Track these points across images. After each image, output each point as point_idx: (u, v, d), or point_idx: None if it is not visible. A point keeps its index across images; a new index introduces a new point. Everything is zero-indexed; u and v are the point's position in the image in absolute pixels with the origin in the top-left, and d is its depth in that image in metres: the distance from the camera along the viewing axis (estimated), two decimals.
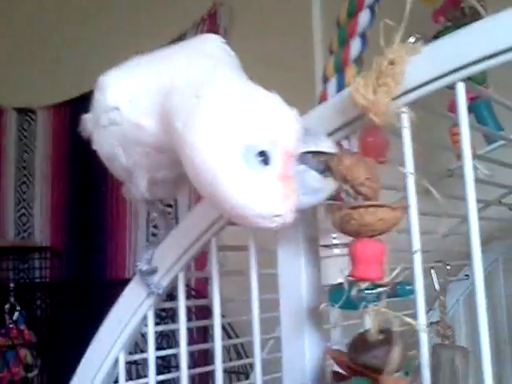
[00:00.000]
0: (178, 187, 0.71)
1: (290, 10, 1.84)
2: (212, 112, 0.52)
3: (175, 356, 0.80)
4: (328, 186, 0.52)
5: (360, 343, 0.52)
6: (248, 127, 0.51)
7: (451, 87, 0.55)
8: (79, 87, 2.22)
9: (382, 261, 0.53)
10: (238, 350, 1.47)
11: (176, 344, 0.75)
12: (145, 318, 0.76)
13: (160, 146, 0.61)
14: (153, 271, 0.73)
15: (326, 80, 1.06)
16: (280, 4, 1.90)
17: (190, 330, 1.48)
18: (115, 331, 0.76)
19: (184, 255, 0.72)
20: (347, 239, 1.03)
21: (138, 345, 0.97)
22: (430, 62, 0.54)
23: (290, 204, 0.51)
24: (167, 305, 0.80)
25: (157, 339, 1.42)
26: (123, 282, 0.78)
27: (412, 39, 0.53)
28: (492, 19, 0.52)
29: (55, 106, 2.58)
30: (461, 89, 0.53)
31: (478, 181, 0.99)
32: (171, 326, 0.86)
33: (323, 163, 0.52)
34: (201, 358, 1.41)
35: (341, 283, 0.53)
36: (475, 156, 1.00)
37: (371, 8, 1.05)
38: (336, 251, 1.09)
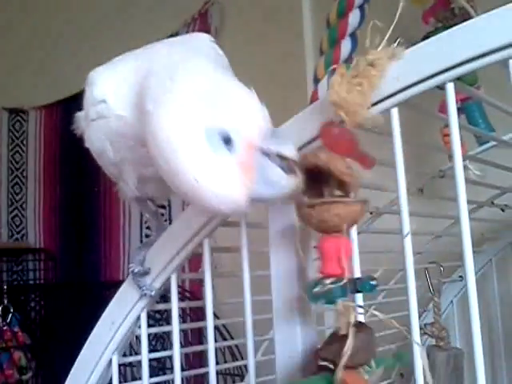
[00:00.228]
0: (170, 187, 0.71)
1: (281, 9, 1.85)
2: (181, 93, 0.53)
3: (170, 358, 0.80)
4: (288, 182, 0.52)
5: (329, 339, 0.53)
6: (215, 111, 0.52)
7: (441, 87, 0.55)
8: (71, 87, 2.21)
9: (342, 257, 0.52)
10: (232, 352, 1.47)
11: (171, 346, 0.75)
12: (138, 319, 0.75)
13: (138, 136, 0.61)
14: (145, 273, 0.73)
15: (316, 80, 1.06)
16: (271, 4, 1.90)
17: (184, 332, 1.48)
18: (108, 333, 0.76)
19: (176, 257, 0.72)
20: None
21: (132, 347, 0.96)
22: (419, 63, 0.54)
23: (246, 191, 0.51)
24: (160, 306, 0.80)
25: (151, 341, 1.43)
26: (117, 284, 0.78)
27: (395, 44, 0.54)
28: (481, 19, 0.52)
29: (47, 107, 2.57)
30: (450, 89, 0.53)
31: (469, 182, 1.00)
32: (164, 328, 0.86)
33: (286, 164, 0.52)
34: (196, 360, 1.40)
35: (314, 280, 0.54)
36: (467, 157, 1.01)
37: (361, 8, 1.06)
38: None
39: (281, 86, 1.70)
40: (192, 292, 1.83)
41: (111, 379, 0.78)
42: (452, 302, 1.29)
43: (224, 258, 0.83)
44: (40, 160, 2.63)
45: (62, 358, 0.81)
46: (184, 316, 1.48)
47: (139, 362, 0.77)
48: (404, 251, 0.56)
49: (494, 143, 0.99)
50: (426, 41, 0.54)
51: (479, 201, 1.12)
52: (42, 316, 2.25)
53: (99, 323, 0.77)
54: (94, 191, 2.35)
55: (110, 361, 0.77)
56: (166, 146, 0.51)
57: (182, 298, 1.59)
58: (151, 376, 0.77)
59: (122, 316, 0.75)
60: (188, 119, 0.51)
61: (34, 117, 2.66)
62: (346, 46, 1.05)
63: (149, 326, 0.77)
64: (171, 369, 0.76)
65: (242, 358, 1.32)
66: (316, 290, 0.52)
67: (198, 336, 1.50)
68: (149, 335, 0.77)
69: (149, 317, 1.27)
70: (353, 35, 1.06)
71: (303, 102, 1.17)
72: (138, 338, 0.78)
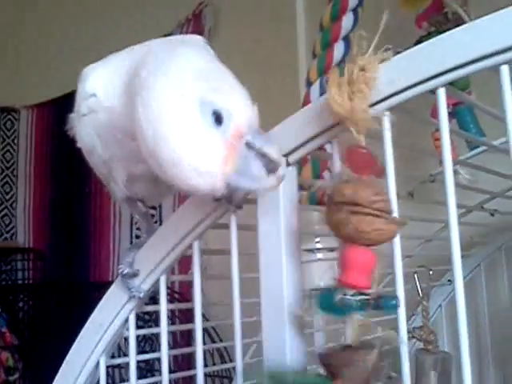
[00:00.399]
0: (159, 187, 0.71)
1: (274, 11, 1.85)
2: (177, 65, 0.54)
3: (159, 360, 0.79)
4: (267, 181, 0.53)
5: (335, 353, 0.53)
6: (212, 88, 0.52)
7: (433, 92, 0.55)
8: (63, 87, 2.20)
9: (371, 271, 0.52)
10: (221, 354, 1.47)
11: (159, 347, 0.75)
12: (126, 321, 0.75)
13: (127, 129, 0.60)
14: (134, 274, 0.73)
15: (309, 83, 1.06)
16: (265, 6, 1.90)
17: (174, 334, 1.48)
18: (96, 335, 0.75)
19: (166, 258, 0.71)
20: (330, 244, 1.03)
21: (121, 348, 0.96)
22: (411, 67, 0.54)
23: (226, 170, 0.50)
24: (149, 308, 0.80)
25: (140, 342, 1.42)
26: (106, 285, 0.78)
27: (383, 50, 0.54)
28: (474, 25, 0.52)
29: (38, 106, 2.56)
30: (441, 94, 0.54)
31: (460, 186, 1.01)
32: (153, 330, 0.86)
33: (269, 164, 0.53)
34: (185, 362, 1.40)
35: (329, 288, 0.53)
36: (457, 161, 1.01)
37: (355, 11, 1.06)
38: (319, 256, 1.09)
39: (273, 87, 1.70)
40: (182, 293, 1.82)
41: (99, 381, 0.78)
42: (441, 305, 1.30)
43: (214, 259, 0.82)
44: (31, 159, 2.62)
45: (49, 358, 0.81)
46: (173, 318, 1.48)
47: (127, 364, 0.77)
48: (393, 255, 0.56)
49: (484, 148, 0.99)
50: (418, 46, 0.55)
51: (469, 205, 1.12)
52: (30, 316, 2.24)
53: (87, 325, 0.77)
54: (84, 191, 2.34)
55: (98, 362, 0.76)
56: (156, 110, 0.51)
57: (171, 300, 1.59)
58: (139, 378, 0.77)
59: (110, 318, 0.75)
60: (184, 88, 0.51)
61: (25, 116, 2.65)
62: (339, 49, 1.06)
63: (138, 327, 0.77)
64: (159, 371, 0.76)
65: (231, 360, 1.32)
66: (335, 299, 0.51)
67: (187, 338, 1.50)
68: (137, 337, 0.77)
69: (138, 318, 1.26)
70: (346, 38, 1.07)
71: (296, 103, 1.17)
72: (126, 339, 0.77)
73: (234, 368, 0.86)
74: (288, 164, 0.63)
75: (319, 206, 0.92)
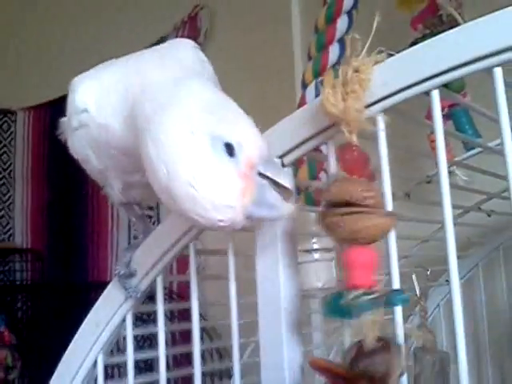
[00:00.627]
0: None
1: (270, 13, 1.85)
2: (186, 101, 0.53)
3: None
4: (285, 208, 0.52)
5: (358, 351, 0.51)
6: (220, 122, 0.52)
7: (428, 94, 0.55)
8: (59, 88, 2.20)
9: (375, 268, 0.53)
10: (221, 354, 1.47)
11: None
12: (123, 320, 0.75)
13: (125, 147, 0.61)
14: (131, 275, 0.73)
15: (304, 85, 1.06)
16: (261, 8, 1.91)
17: (173, 334, 1.48)
18: (93, 334, 0.76)
19: (162, 259, 0.72)
20: (327, 244, 1.03)
21: (119, 348, 0.96)
22: (405, 69, 0.54)
23: (244, 202, 0.50)
24: (146, 308, 0.80)
25: (139, 342, 1.42)
26: (105, 285, 0.78)
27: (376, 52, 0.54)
28: (468, 27, 0.52)
29: (35, 108, 2.56)
30: (436, 96, 0.54)
31: (456, 187, 1.01)
32: (149, 330, 0.86)
33: (282, 192, 0.53)
34: (184, 361, 1.40)
35: (334, 292, 0.53)
36: (453, 162, 1.02)
37: (349, 14, 1.06)
38: (316, 256, 1.09)
39: (269, 90, 1.70)
40: (180, 293, 1.82)
41: (97, 379, 0.78)
42: (439, 305, 1.30)
43: (212, 260, 0.82)
44: (28, 161, 2.62)
45: (48, 357, 0.81)
46: (172, 317, 1.48)
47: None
48: (389, 253, 0.56)
49: (480, 149, 0.99)
50: (412, 48, 0.55)
51: (466, 206, 1.13)
52: (28, 316, 2.24)
53: (84, 324, 0.77)
54: (81, 192, 2.34)
55: (96, 361, 0.77)
56: (168, 148, 0.50)
57: (169, 300, 1.59)
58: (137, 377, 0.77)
59: (107, 317, 0.75)
60: (193, 124, 0.51)
61: (22, 118, 2.65)
62: (333, 51, 1.06)
63: (137, 326, 0.77)
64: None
65: (231, 360, 1.31)
66: (342, 302, 0.51)
67: (187, 337, 1.50)
68: (136, 336, 0.77)
69: (137, 318, 1.27)
70: (341, 41, 1.07)
71: (292, 105, 1.17)
72: (125, 338, 0.78)
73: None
74: (283, 165, 0.63)
75: (316, 206, 0.92)
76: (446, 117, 1.16)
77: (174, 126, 0.51)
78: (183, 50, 0.67)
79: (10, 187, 2.67)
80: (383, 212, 0.53)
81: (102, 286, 0.81)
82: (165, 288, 0.75)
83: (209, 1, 2.07)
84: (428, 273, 1.04)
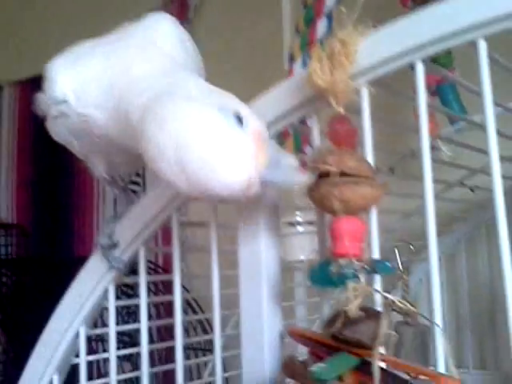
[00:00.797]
0: (140, 165, 0.71)
1: None
2: (184, 88, 0.53)
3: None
4: (300, 176, 0.52)
5: (342, 319, 0.51)
6: (220, 99, 0.52)
7: (412, 67, 0.55)
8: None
9: (362, 238, 0.53)
10: (204, 328, 1.48)
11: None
12: (106, 292, 0.76)
13: (108, 136, 0.61)
14: (114, 246, 0.73)
15: (292, 59, 1.06)
16: None
17: (157, 307, 1.48)
18: (76, 305, 0.76)
19: (145, 230, 0.72)
20: (311, 217, 1.04)
21: (104, 322, 0.97)
22: (389, 41, 0.54)
23: (258, 165, 0.50)
24: (129, 280, 0.80)
25: (124, 316, 1.42)
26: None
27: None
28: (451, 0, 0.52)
29: (22, 82, 2.52)
30: (419, 68, 0.54)
31: (441, 162, 1.02)
32: (132, 301, 0.86)
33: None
34: (168, 334, 1.41)
35: (321, 260, 0.53)
36: (437, 136, 1.02)
37: None
38: (300, 229, 1.10)
39: (258, 63, 1.69)
40: (166, 266, 1.83)
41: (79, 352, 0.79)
42: (421, 280, 1.31)
43: (199, 232, 0.82)
44: (14, 136, 2.59)
45: (32, 333, 0.82)
46: (157, 291, 1.48)
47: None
48: (371, 229, 0.57)
49: (464, 124, 1.00)
50: (397, 20, 0.55)
51: (449, 181, 1.13)
52: (13, 291, 2.24)
53: (67, 295, 0.77)
54: (67, 168, 2.32)
55: (78, 333, 0.77)
56: (177, 124, 0.49)
57: (153, 272, 1.59)
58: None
59: (89, 288, 0.75)
60: (198, 100, 0.51)
61: (8, 92, 2.62)
62: (322, 25, 1.05)
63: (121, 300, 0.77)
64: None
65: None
66: (331, 269, 0.51)
67: (171, 311, 1.50)
68: (121, 310, 0.77)
69: (122, 292, 1.27)
70: (329, 16, 1.06)
71: (280, 80, 1.16)
72: (107, 310, 0.78)
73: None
74: None
75: None
76: (433, 93, 1.16)
77: (181, 104, 0.51)
78: (162, 35, 0.64)
79: None
80: (376, 183, 0.53)
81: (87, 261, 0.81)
82: (150, 262, 0.75)
83: None
84: (411, 247, 1.05)
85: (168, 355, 1.31)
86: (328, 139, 0.56)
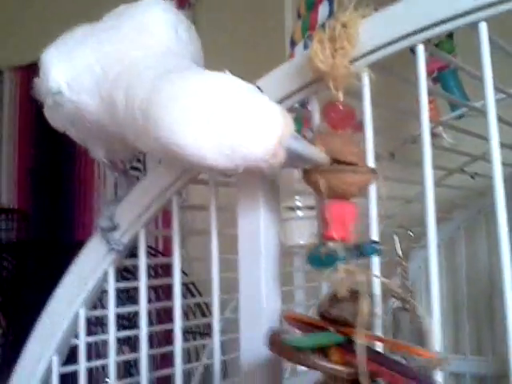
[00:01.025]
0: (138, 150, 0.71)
1: None
2: (190, 67, 0.54)
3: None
4: (320, 152, 0.52)
5: (331, 299, 0.52)
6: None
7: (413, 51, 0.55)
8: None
9: (350, 222, 0.53)
10: (203, 312, 1.48)
11: None
12: (106, 274, 0.76)
13: (101, 124, 0.61)
14: (114, 228, 0.73)
15: (293, 44, 1.06)
16: None
17: (156, 291, 1.49)
18: (75, 287, 0.76)
19: (144, 213, 0.72)
20: (311, 202, 1.04)
21: (104, 306, 0.97)
22: (390, 23, 0.54)
23: (285, 133, 0.49)
24: (128, 262, 0.80)
25: (123, 301, 1.43)
26: None
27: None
28: None
29: (23, 67, 2.52)
30: (420, 51, 0.54)
31: (441, 148, 1.01)
32: (132, 284, 0.86)
33: None
34: (167, 317, 1.41)
35: (316, 243, 0.54)
36: (439, 122, 1.02)
37: None
38: (299, 214, 1.10)
39: (260, 48, 1.69)
40: (166, 252, 1.83)
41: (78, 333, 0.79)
42: (420, 267, 1.32)
43: (199, 215, 0.82)
44: (15, 121, 2.59)
45: (33, 317, 0.82)
46: (156, 276, 1.49)
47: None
48: (370, 215, 0.57)
49: (465, 110, 0.99)
50: (398, 2, 0.54)
51: (450, 167, 1.13)
52: (14, 275, 2.24)
53: (66, 277, 0.77)
54: (68, 152, 2.32)
55: (78, 314, 0.77)
56: (201, 97, 0.49)
57: (153, 255, 1.59)
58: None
59: (89, 270, 0.75)
60: (214, 73, 0.51)
61: (9, 77, 2.61)
62: (323, 9, 1.05)
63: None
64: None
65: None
66: (321, 251, 0.52)
67: (169, 294, 1.51)
68: (121, 295, 0.77)
69: (122, 277, 1.27)
70: (330, 0, 1.06)
71: (281, 64, 1.16)
72: (106, 292, 0.78)
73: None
74: None
75: None
76: (434, 80, 1.16)
77: (206, 73, 0.51)
78: (155, 21, 0.63)
79: None
80: (361, 169, 0.53)
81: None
82: (150, 247, 0.75)
83: None
84: (410, 234, 1.06)
85: (167, 338, 1.32)
86: (325, 122, 0.56)
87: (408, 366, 0.46)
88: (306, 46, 1.05)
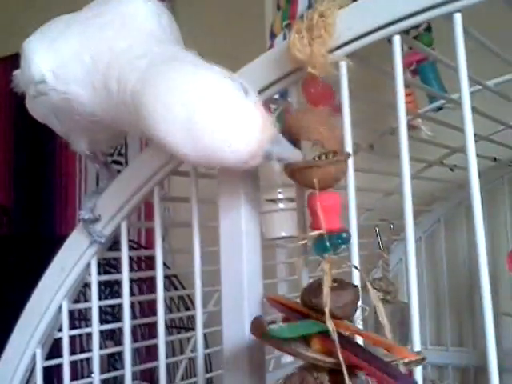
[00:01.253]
0: (121, 140, 0.72)
1: None
2: (183, 58, 0.53)
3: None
4: (296, 152, 0.52)
5: (315, 288, 0.52)
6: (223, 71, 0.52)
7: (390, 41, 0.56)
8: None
9: (317, 213, 0.53)
10: (187, 306, 1.49)
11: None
12: (88, 266, 0.76)
13: (92, 113, 0.61)
14: (95, 220, 0.73)
15: (273, 36, 1.06)
16: None
17: (139, 286, 1.49)
18: (58, 279, 0.76)
19: (126, 204, 0.72)
20: (293, 194, 1.04)
21: (87, 300, 0.97)
22: (368, 14, 0.55)
23: (263, 137, 0.50)
24: (111, 254, 0.81)
25: (106, 295, 1.43)
26: None
27: None
28: None
29: (1, 59, 2.50)
30: (397, 42, 0.54)
31: (420, 140, 1.03)
32: (115, 276, 0.87)
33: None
34: (151, 311, 1.42)
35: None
36: (417, 115, 1.03)
37: None
38: (281, 206, 1.11)
39: (239, 40, 1.69)
40: (149, 244, 1.83)
41: (62, 326, 0.79)
42: (401, 259, 1.33)
43: (181, 207, 0.82)
44: None
45: (15, 312, 0.82)
46: (140, 270, 1.49)
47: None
48: (349, 208, 0.57)
49: (442, 102, 1.01)
50: None
51: (429, 159, 1.14)
52: None
53: (49, 269, 0.77)
54: (48, 146, 2.31)
55: (60, 307, 0.77)
56: (186, 91, 0.49)
57: (136, 248, 1.59)
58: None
59: (71, 262, 0.75)
60: (210, 68, 0.51)
61: None
62: (302, 1, 1.05)
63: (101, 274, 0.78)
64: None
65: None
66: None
67: (152, 287, 1.51)
68: (104, 289, 0.77)
69: (105, 272, 1.27)
70: None
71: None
72: (89, 285, 0.78)
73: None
74: None
75: None
76: (413, 72, 1.17)
77: (193, 68, 0.51)
78: (138, 10, 0.63)
79: None
80: (338, 159, 0.53)
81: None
82: (132, 241, 0.76)
83: None
84: (391, 226, 1.07)
85: (151, 333, 1.32)
86: (304, 98, 0.57)
87: (388, 363, 0.46)
88: (285, 38, 1.05)
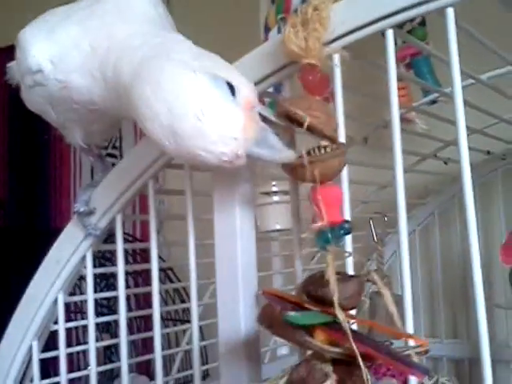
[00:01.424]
0: (115, 131, 0.72)
1: None
2: (177, 51, 0.53)
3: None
4: (285, 152, 0.52)
5: (317, 279, 0.52)
6: (214, 67, 0.52)
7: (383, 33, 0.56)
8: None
9: (318, 206, 0.54)
10: (182, 299, 1.49)
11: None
12: (83, 259, 0.76)
13: (91, 102, 0.61)
14: (90, 212, 0.74)
15: (267, 29, 1.06)
16: None
17: (135, 279, 1.49)
18: (53, 272, 0.76)
19: (121, 197, 0.72)
20: (287, 187, 1.05)
21: (83, 293, 0.97)
22: (361, 8, 0.55)
23: (247, 137, 0.50)
24: (106, 247, 0.81)
25: (102, 289, 1.43)
26: None
27: None
28: None
29: None
30: (390, 36, 0.55)
31: (414, 134, 1.03)
32: (110, 269, 0.87)
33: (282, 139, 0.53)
34: (146, 304, 1.42)
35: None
36: (411, 108, 1.04)
37: None
38: (275, 199, 1.11)
39: (233, 33, 1.68)
40: (144, 237, 1.83)
41: (58, 319, 0.80)
42: (396, 252, 1.34)
43: (176, 200, 0.82)
44: None
45: (10, 305, 0.82)
46: (135, 263, 1.49)
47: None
48: (343, 200, 0.57)
49: (436, 95, 1.01)
50: None
51: (423, 153, 1.15)
52: None
53: (44, 262, 0.77)
54: (44, 139, 2.30)
55: (56, 300, 0.78)
56: (170, 87, 0.50)
57: (131, 241, 1.60)
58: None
59: (67, 255, 0.76)
60: (193, 66, 0.51)
61: None
62: None
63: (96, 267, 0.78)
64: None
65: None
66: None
67: (148, 280, 1.51)
68: (100, 282, 0.78)
69: (100, 265, 1.27)
70: None
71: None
72: (84, 278, 0.79)
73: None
74: None
75: None
76: (408, 66, 1.18)
77: (175, 68, 0.51)
78: (137, 1, 0.63)
79: None
80: (338, 151, 0.54)
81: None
82: (127, 234, 0.76)
83: None
84: (385, 219, 1.07)
85: (147, 325, 1.32)
86: (302, 85, 0.57)
87: (400, 352, 0.46)
88: (279, 31, 1.06)
